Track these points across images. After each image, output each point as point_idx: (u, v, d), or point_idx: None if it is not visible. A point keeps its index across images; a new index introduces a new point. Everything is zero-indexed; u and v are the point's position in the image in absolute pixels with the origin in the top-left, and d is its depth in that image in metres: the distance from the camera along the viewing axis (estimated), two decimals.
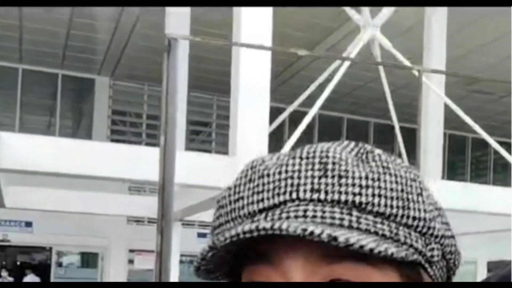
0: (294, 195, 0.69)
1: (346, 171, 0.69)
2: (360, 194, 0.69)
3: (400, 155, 12.63)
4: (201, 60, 14.14)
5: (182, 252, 11.52)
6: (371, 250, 0.63)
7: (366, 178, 0.69)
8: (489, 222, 12.19)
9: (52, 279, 17.54)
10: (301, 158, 0.71)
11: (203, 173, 8.12)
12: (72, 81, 17.38)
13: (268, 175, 0.71)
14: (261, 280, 0.70)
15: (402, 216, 0.70)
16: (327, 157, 0.70)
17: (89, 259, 18.33)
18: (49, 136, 14.82)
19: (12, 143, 9.23)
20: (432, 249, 0.73)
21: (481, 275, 17.61)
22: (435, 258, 0.73)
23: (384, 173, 0.71)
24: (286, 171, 0.70)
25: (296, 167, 0.70)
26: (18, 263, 18.48)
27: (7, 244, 17.23)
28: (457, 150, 20.93)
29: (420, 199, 0.72)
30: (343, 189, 0.69)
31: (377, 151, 0.76)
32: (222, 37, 9.51)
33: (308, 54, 8.05)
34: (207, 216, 10.52)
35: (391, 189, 0.70)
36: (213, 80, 16.09)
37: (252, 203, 0.70)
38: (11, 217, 15.95)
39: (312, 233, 0.62)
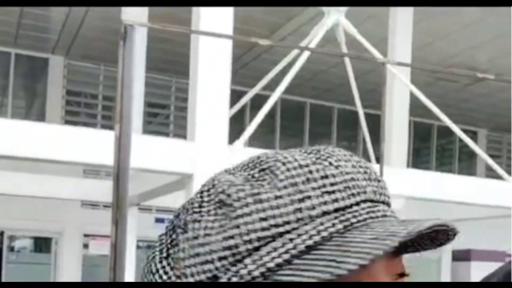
0: (364, 197, 0.75)
1: (376, 174, 0.79)
2: (389, 196, 0.80)
3: (364, 142, 12.69)
4: (160, 41, 14.03)
5: (139, 237, 11.49)
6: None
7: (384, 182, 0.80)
8: (454, 211, 12.32)
9: (4, 264, 17.34)
10: (344, 161, 0.77)
11: (161, 157, 8.09)
12: (25, 60, 17.15)
13: (332, 176, 0.74)
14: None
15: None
16: (360, 161, 0.79)
17: (42, 244, 18.11)
18: (1, 117, 14.67)
19: None
20: None
21: (446, 264, 17.81)
22: None
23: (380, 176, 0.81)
24: (346, 173, 0.75)
25: (349, 169, 0.76)
26: None
27: None
28: (422, 138, 21.07)
29: None
30: (384, 191, 0.79)
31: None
32: (181, 19, 9.45)
33: (267, 44, 8.01)
34: (165, 201, 10.49)
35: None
36: (172, 62, 16.00)
37: (326, 203, 0.72)
38: None
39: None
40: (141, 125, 11.85)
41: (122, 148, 3.66)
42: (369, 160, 12.21)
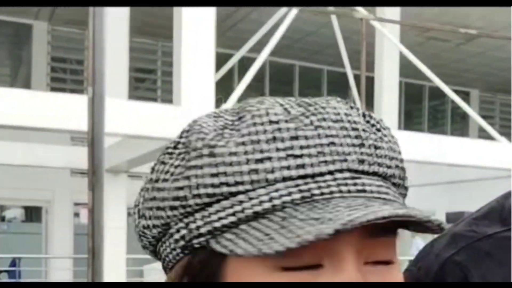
0: (344, 165, 0.67)
1: (376, 140, 0.70)
2: (389, 166, 0.71)
3: (354, 104, 12.65)
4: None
5: (130, 205, 11.46)
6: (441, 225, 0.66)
7: (390, 149, 0.72)
8: (447, 173, 12.34)
9: None
10: (332, 120, 0.68)
11: (148, 123, 8.06)
12: (8, 27, 17.04)
13: (305, 137, 0.66)
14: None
15: (401, 186, 0.74)
16: (355, 122, 0.70)
17: (32, 213, 18.21)
18: None
19: None
20: None
21: None
22: None
23: (394, 143, 0.74)
24: (326, 136, 0.67)
25: (333, 132, 0.67)
26: None
27: None
28: (414, 99, 21.07)
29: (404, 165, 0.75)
30: (379, 160, 0.70)
31: (373, 114, 0.76)
32: None
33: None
34: None
35: (401, 160, 0.74)
36: (157, 25, 15.87)
37: (289, 167, 0.65)
38: None
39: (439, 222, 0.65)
40: (126, 90, 11.76)
41: (95, 111, 3.57)
42: None
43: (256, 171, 0.64)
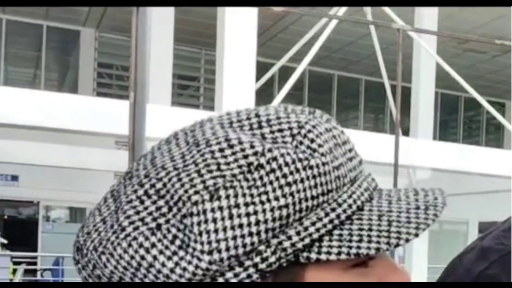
0: (363, 165, 0.73)
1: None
2: None
3: (390, 114, 12.61)
4: (188, 13, 13.97)
5: None
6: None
7: None
8: (481, 183, 12.23)
9: (40, 234, 17.53)
10: (335, 127, 0.71)
11: None
12: (57, 33, 17.21)
13: (348, 142, 0.71)
14: None
15: None
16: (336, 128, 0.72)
17: (77, 214, 18.33)
18: (35, 89, 14.72)
19: None
20: None
21: (473, 236, 17.76)
22: None
23: None
24: (349, 138, 0.72)
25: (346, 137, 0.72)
26: (5, 217, 18.48)
27: None
28: (449, 110, 20.91)
29: None
30: None
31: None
32: None
33: (288, 11, 7.92)
34: None
35: None
36: (201, 34, 15.94)
37: (351, 170, 0.69)
38: None
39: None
40: (170, 96, 11.83)
41: (136, 116, 3.60)
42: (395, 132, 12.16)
43: (338, 177, 0.67)
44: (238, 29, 8.50)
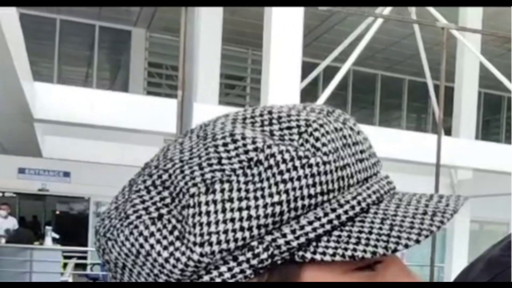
0: (380, 165, 0.72)
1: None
2: None
3: (433, 114, 12.51)
4: (236, 13, 14.02)
5: None
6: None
7: None
8: None
9: (90, 229, 17.74)
10: (350, 128, 0.70)
11: None
12: (108, 33, 17.39)
13: (361, 143, 0.69)
14: None
15: None
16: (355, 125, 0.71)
17: None
18: (87, 87, 14.90)
19: (49, 94, 9.29)
20: None
21: None
22: None
23: None
24: (365, 139, 0.71)
25: (365, 134, 0.71)
26: (57, 212, 18.75)
27: (46, 194, 17.44)
28: (492, 110, 20.66)
29: None
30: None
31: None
32: None
33: (330, 9, 7.91)
34: None
35: None
36: (248, 34, 15.98)
37: (359, 171, 0.67)
38: (49, 167, 16.11)
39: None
40: (217, 95, 11.89)
41: (184, 114, 3.64)
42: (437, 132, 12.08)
43: (342, 178, 0.65)
44: (284, 29, 8.49)
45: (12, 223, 15.13)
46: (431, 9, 10.18)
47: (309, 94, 11.05)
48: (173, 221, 0.63)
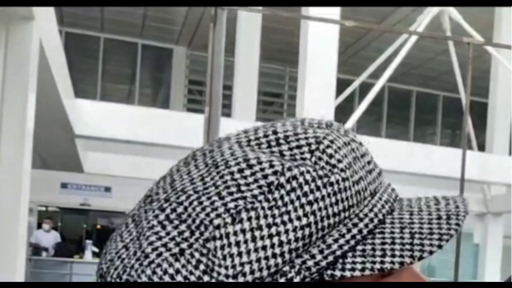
0: (382, 175, 0.69)
1: None
2: None
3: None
4: (274, 31, 14.07)
5: None
6: None
7: None
8: None
9: None
10: (353, 140, 0.68)
11: None
12: (151, 51, 17.55)
13: (367, 154, 0.68)
14: None
15: None
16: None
17: None
18: (129, 104, 15.05)
19: (90, 110, 9.42)
20: None
21: None
22: None
23: None
24: (367, 149, 0.69)
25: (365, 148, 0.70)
26: (98, 226, 18.91)
27: (88, 208, 17.62)
28: None
29: None
30: None
31: None
32: (291, 9, 9.43)
33: (361, 27, 7.93)
34: None
35: None
36: (285, 51, 16.02)
37: (370, 183, 0.66)
38: (91, 182, 16.26)
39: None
40: (255, 112, 11.92)
41: (211, 130, 3.65)
42: (471, 148, 12.01)
43: (359, 192, 0.63)
44: (319, 47, 8.52)
45: (54, 236, 15.30)
46: (466, 26, 10.15)
47: (345, 110, 11.06)
48: (197, 255, 0.60)
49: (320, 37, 8.52)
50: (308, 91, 8.48)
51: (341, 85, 9.08)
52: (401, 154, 9.86)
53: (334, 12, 8.42)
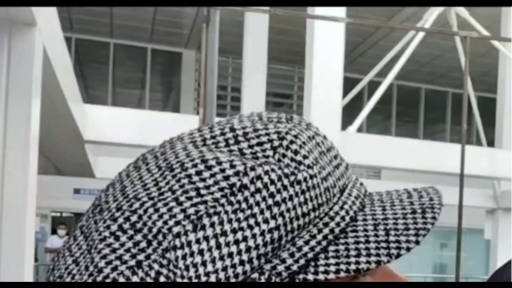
0: (350, 169, 0.65)
1: None
2: None
3: (477, 126, 12.35)
4: (282, 32, 14.02)
5: None
6: None
7: None
8: None
9: None
10: (317, 134, 0.62)
11: None
12: (160, 55, 17.55)
13: (332, 148, 0.63)
14: None
15: None
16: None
17: None
18: (140, 109, 15.05)
19: (99, 116, 9.39)
20: None
21: None
22: None
23: None
24: (332, 143, 0.64)
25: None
26: None
27: None
28: None
29: None
30: None
31: None
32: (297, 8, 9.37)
33: (367, 24, 7.86)
34: None
35: None
36: (294, 52, 15.98)
37: (338, 179, 0.61)
38: (103, 187, 16.22)
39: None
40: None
41: None
42: (480, 143, 11.92)
43: (328, 189, 0.59)
44: (325, 47, 8.50)
45: None
46: (472, 21, 10.07)
47: (354, 108, 10.96)
48: (156, 266, 0.54)
49: (326, 36, 8.49)
50: (315, 90, 8.45)
51: (351, 84, 9.00)
52: (410, 152, 9.80)
53: (339, 12, 8.37)
